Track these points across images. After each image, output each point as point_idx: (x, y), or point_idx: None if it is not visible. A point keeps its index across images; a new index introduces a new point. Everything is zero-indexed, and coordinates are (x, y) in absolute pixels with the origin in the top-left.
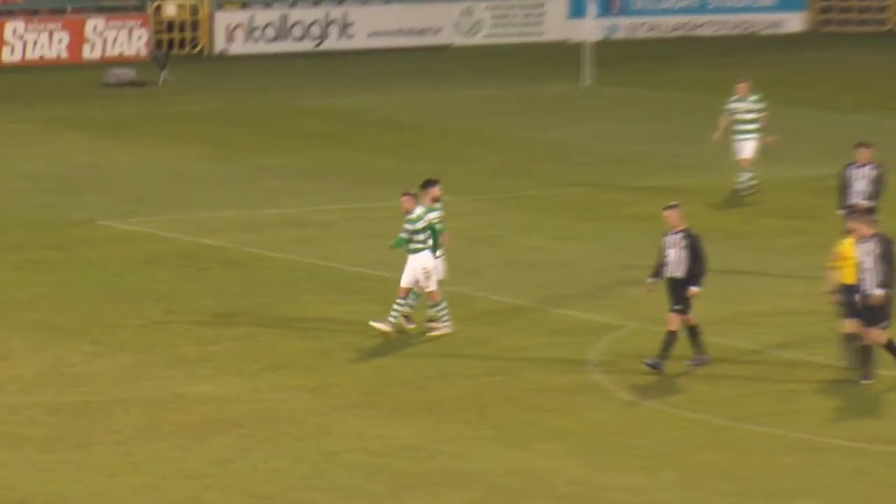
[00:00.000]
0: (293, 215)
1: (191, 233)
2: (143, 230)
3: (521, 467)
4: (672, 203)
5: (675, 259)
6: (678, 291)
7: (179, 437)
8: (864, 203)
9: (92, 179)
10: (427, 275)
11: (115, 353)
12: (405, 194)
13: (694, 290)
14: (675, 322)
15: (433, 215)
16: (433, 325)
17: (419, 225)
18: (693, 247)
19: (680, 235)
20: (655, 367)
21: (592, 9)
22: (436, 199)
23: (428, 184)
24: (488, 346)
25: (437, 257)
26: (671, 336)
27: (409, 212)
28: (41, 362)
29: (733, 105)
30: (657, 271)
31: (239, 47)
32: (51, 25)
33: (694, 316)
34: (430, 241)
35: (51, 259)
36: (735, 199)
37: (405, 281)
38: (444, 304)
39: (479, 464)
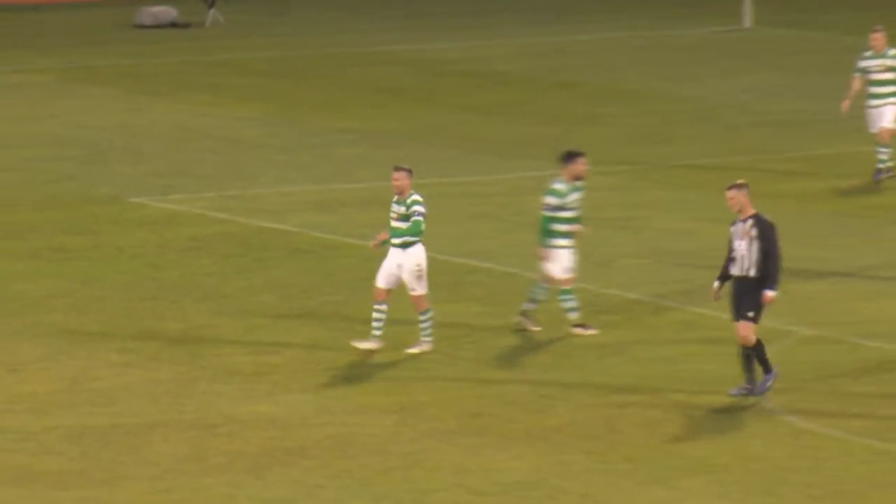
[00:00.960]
0: (374, 191)
1: (245, 213)
2: (185, 210)
3: None
4: (738, 182)
5: (745, 254)
6: (749, 295)
7: (231, 471)
8: None
9: (122, 146)
10: (419, 274)
11: (151, 364)
12: (399, 169)
13: (770, 294)
14: (749, 333)
15: (575, 197)
16: (577, 330)
17: (569, 199)
18: (765, 238)
19: (749, 223)
20: (741, 395)
21: None
22: (578, 177)
23: (571, 156)
24: (620, 357)
25: (566, 248)
26: (751, 351)
27: (401, 192)
28: (59, 376)
29: (868, 62)
30: (725, 271)
31: None
32: None
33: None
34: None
35: (72, 246)
36: (877, 185)
37: (558, 272)
38: (431, 314)
39: None
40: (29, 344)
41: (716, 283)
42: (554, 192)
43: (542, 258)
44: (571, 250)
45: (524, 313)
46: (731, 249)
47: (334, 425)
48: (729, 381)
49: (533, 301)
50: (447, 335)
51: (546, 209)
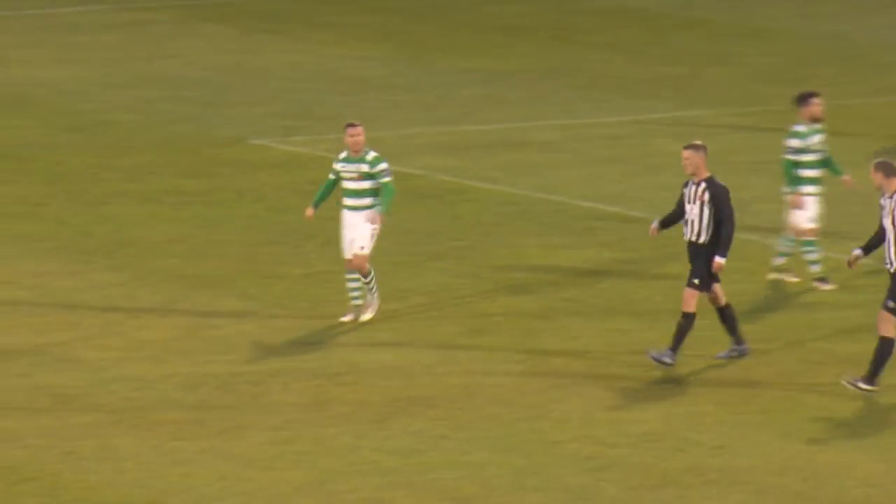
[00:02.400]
0: (501, 133)
1: None
2: (307, 152)
3: (798, 464)
4: (694, 142)
5: (695, 218)
6: (698, 261)
7: (354, 421)
8: None
9: (242, 86)
10: (374, 234)
11: (271, 310)
12: (355, 125)
13: (719, 261)
14: (691, 301)
15: (817, 139)
16: (817, 284)
17: (811, 142)
18: (718, 203)
19: (702, 187)
20: (660, 361)
21: None
22: (815, 118)
23: (804, 98)
24: (758, 307)
25: (812, 195)
26: (687, 320)
27: (357, 149)
28: (177, 323)
29: None
30: (666, 220)
31: None
32: None
33: (724, 294)
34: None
35: (189, 189)
36: None
37: (803, 221)
38: (373, 275)
39: (745, 459)
40: (147, 291)
41: (654, 224)
42: (796, 134)
43: (792, 206)
44: (817, 198)
45: (777, 268)
46: (678, 205)
47: (458, 375)
48: (869, 329)
49: (783, 255)
50: (575, 283)
51: (788, 152)
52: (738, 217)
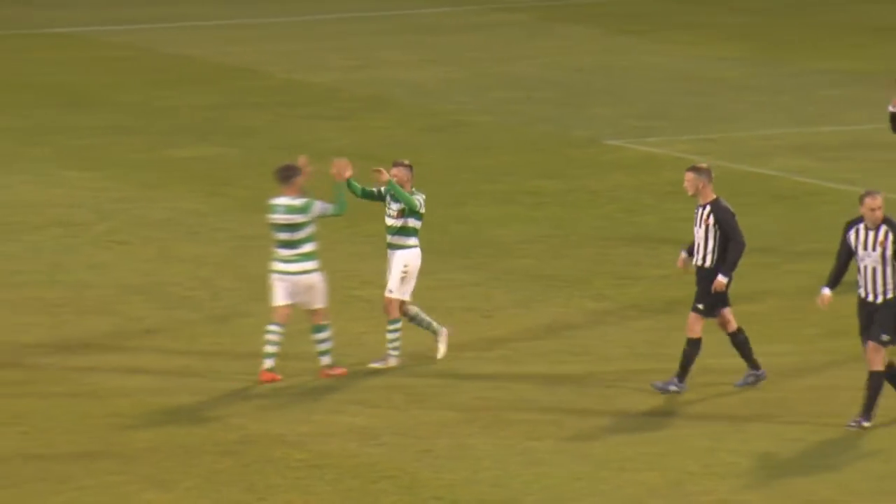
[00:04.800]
0: (859, 135)
1: (726, 157)
2: (664, 152)
3: None
4: (697, 164)
5: (701, 242)
6: (702, 285)
7: (709, 423)
8: None
9: (601, 87)
10: (405, 276)
11: (628, 312)
12: (397, 164)
13: (720, 280)
14: (695, 327)
15: None
16: None
17: None
18: (723, 226)
19: (706, 210)
20: (664, 390)
21: None
22: None
23: None
24: None
25: None
26: (692, 346)
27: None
28: (533, 323)
29: None
30: (692, 248)
31: None
32: None
33: (735, 319)
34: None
35: (545, 190)
36: None
37: None
38: (400, 325)
39: None
40: (503, 290)
41: (682, 254)
42: None
43: None
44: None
45: None
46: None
47: (816, 377)
48: None
49: None
50: None
51: None
52: None
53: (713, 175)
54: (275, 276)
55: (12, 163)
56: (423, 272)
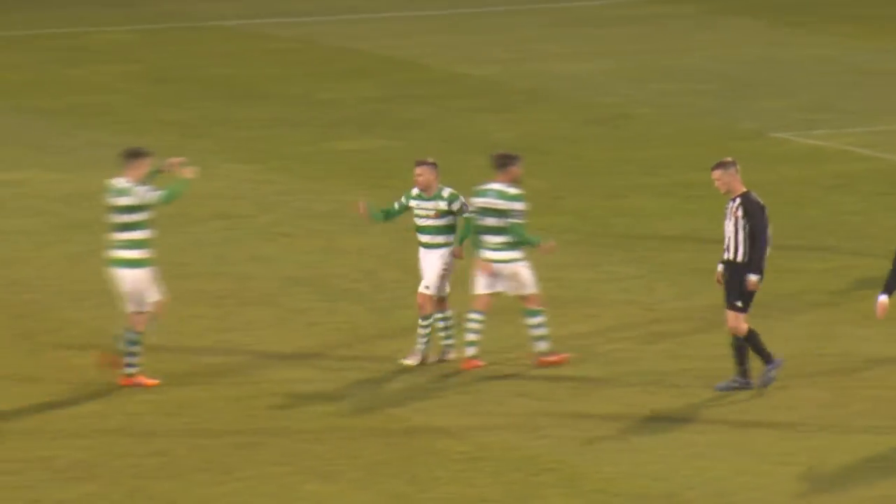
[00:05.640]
0: None
1: (894, 150)
2: (829, 145)
3: None
4: (724, 160)
5: (731, 235)
6: (735, 281)
7: (872, 419)
8: None
9: (766, 79)
10: (445, 273)
11: (784, 304)
12: (421, 163)
13: (752, 279)
14: (737, 323)
15: None
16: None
17: None
18: (752, 219)
19: (736, 203)
20: (731, 389)
21: None
22: None
23: None
24: None
25: None
26: (742, 342)
27: (427, 188)
28: (694, 316)
29: None
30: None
31: None
32: None
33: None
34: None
35: (706, 182)
36: None
37: None
38: (432, 322)
39: None
40: (665, 283)
41: (719, 267)
42: None
43: None
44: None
45: None
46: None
47: None
48: None
49: None
50: None
51: None
52: None
53: (738, 167)
54: (480, 264)
55: (177, 155)
56: (584, 265)
